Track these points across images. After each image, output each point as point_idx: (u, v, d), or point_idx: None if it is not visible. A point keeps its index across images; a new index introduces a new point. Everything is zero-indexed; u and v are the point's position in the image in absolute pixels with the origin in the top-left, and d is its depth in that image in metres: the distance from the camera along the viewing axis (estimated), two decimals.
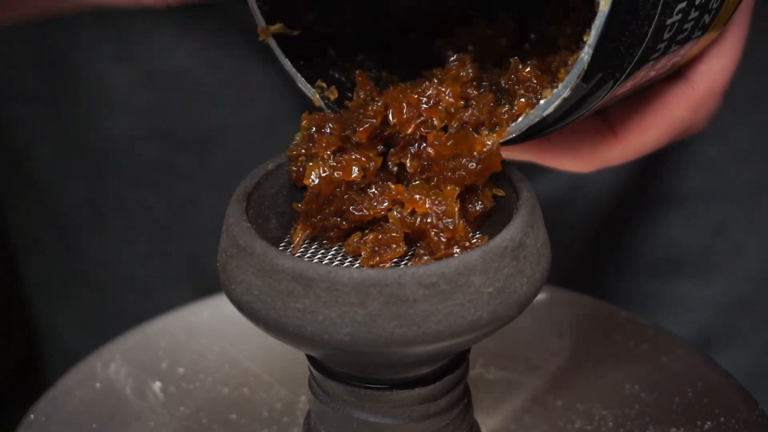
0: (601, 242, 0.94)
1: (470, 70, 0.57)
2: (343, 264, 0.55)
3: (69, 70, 0.88)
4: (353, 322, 0.50)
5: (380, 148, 0.56)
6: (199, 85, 0.87)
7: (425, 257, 0.54)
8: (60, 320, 0.99)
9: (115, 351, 0.71)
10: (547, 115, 0.53)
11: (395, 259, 0.55)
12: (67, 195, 0.93)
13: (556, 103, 0.53)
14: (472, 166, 0.54)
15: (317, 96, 0.58)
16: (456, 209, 0.53)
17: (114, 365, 0.70)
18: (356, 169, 0.54)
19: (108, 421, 0.67)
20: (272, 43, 0.58)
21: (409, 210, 0.54)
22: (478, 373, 0.70)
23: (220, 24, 0.85)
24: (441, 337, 0.51)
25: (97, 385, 0.69)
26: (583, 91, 0.53)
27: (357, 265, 0.55)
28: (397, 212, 0.55)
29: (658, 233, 0.93)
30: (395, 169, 0.56)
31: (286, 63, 0.58)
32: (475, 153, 0.54)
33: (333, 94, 0.59)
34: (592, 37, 0.51)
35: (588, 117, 0.56)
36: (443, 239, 0.53)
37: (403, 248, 0.54)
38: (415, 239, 0.55)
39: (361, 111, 0.55)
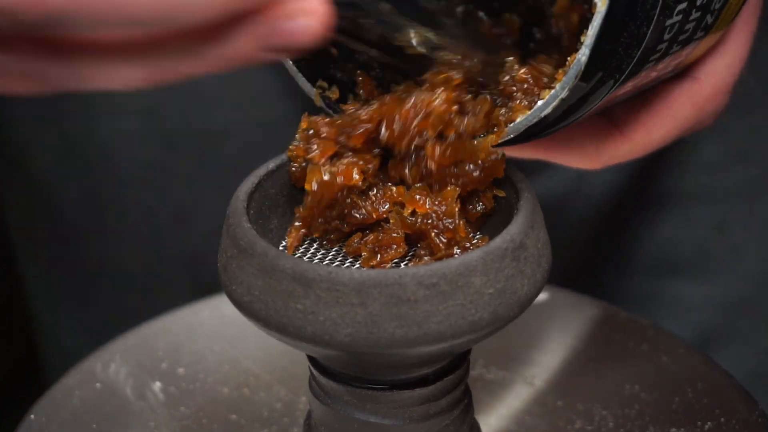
0: (601, 242, 0.94)
1: (459, 73, 0.56)
2: (343, 265, 0.55)
3: None
4: (354, 323, 0.50)
5: (377, 151, 0.56)
6: (199, 86, 0.87)
7: (426, 258, 0.54)
8: (60, 320, 0.99)
9: (115, 351, 0.71)
10: (546, 116, 0.53)
11: (396, 260, 0.55)
12: (66, 195, 0.93)
13: (554, 103, 0.53)
14: (476, 173, 0.54)
15: (318, 96, 0.58)
16: (456, 209, 0.53)
17: (114, 365, 0.70)
18: (357, 172, 0.54)
19: (108, 421, 0.67)
20: None
21: (409, 210, 0.54)
22: (479, 373, 0.70)
23: None
24: (442, 337, 0.51)
25: (97, 385, 0.69)
26: (581, 91, 0.53)
27: (357, 265, 0.55)
28: (397, 213, 0.55)
29: (658, 233, 0.93)
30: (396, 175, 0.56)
31: (287, 62, 0.58)
32: (480, 161, 0.54)
33: (334, 94, 0.58)
34: (589, 38, 0.51)
35: (592, 116, 0.56)
36: (444, 240, 0.53)
37: (403, 249, 0.54)
38: (415, 240, 0.55)
39: (356, 116, 0.55)
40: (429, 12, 0.56)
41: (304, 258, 0.55)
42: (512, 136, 0.55)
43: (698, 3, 0.54)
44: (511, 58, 0.58)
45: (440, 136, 0.55)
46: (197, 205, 0.90)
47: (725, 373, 0.68)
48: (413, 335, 0.50)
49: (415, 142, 0.54)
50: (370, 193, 0.55)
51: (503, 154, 0.55)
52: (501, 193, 0.55)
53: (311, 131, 0.56)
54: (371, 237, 0.54)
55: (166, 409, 0.68)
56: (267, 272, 0.51)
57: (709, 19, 0.56)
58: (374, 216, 0.55)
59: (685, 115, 0.62)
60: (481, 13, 0.62)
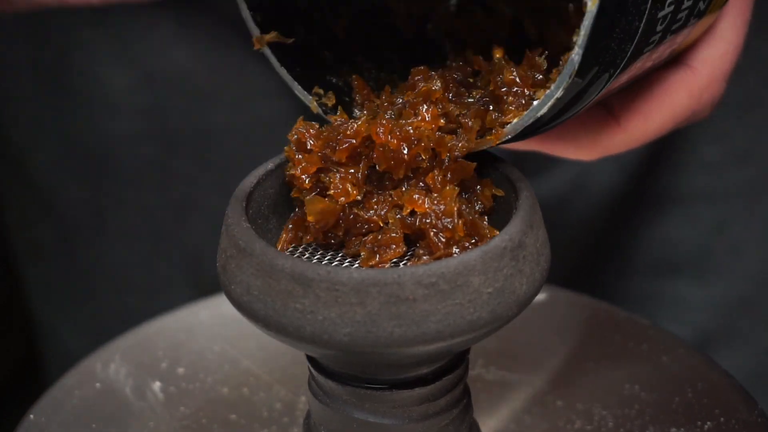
0: (602, 242, 0.94)
1: (438, 83, 0.56)
2: (342, 264, 0.55)
3: (68, 71, 0.88)
4: (353, 322, 0.50)
5: (362, 164, 0.55)
6: (198, 86, 0.87)
7: (425, 257, 0.54)
8: (60, 320, 0.99)
9: (115, 351, 0.71)
10: (542, 115, 0.53)
11: (395, 260, 0.55)
12: (66, 195, 0.93)
13: (550, 103, 0.53)
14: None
15: (314, 103, 0.58)
16: (455, 209, 0.53)
17: (114, 365, 0.70)
18: (351, 188, 0.54)
19: (108, 421, 0.67)
20: (267, 52, 0.58)
21: (408, 210, 0.54)
22: (478, 373, 0.70)
23: (219, 24, 0.84)
24: (440, 336, 0.51)
25: (97, 385, 0.69)
26: (577, 87, 0.53)
27: (356, 265, 0.55)
28: (396, 213, 0.55)
29: (658, 233, 0.93)
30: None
31: (282, 71, 0.58)
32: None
33: (330, 101, 0.58)
34: (581, 38, 0.51)
35: (588, 108, 0.56)
36: (442, 239, 0.53)
37: (402, 249, 0.54)
38: (414, 240, 0.55)
39: (342, 130, 0.55)
40: None
41: (303, 258, 0.55)
42: (510, 136, 0.55)
43: None
44: (500, 58, 0.58)
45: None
46: (197, 204, 0.90)
47: (725, 373, 0.68)
48: (412, 334, 0.50)
49: (411, 169, 0.55)
50: (368, 201, 0.55)
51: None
52: (500, 193, 0.55)
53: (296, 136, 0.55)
54: (370, 237, 0.54)
55: (165, 409, 0.68)
56: (266, 272, 0.51)
57: (701, 5, 0.56)
58: (381, 223, 0.55)
59: (681, 104, 0.62)
60: (474, 6, 0.62)
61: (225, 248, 0.53)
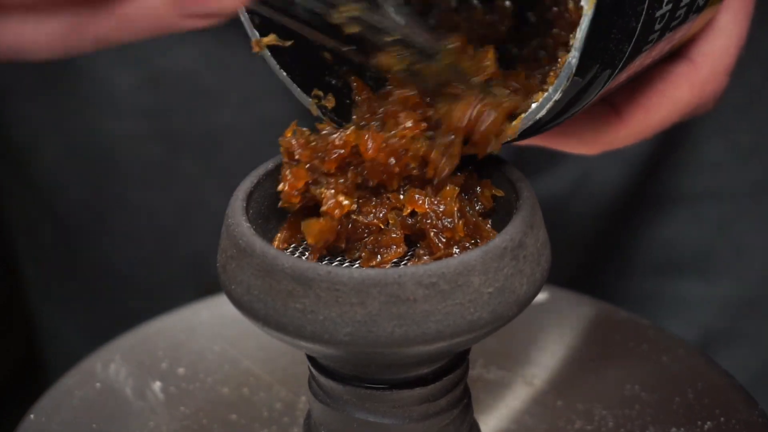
0: (603, 242, 0.94)
1: (412, 89, 0.56)
2: (343, 264, 0.55)
3: (72, 71, 0.88)
4: (353, 322, 0.50)
5: (350, 173, 0.55)
6: (202, 86, 0.87)
7: (425, 257, 0.54)
8: (62, 321, 0.99)
9: (115, 351, 0.71)
10: (541, 117, 0.53)
11: (395, 260, 0.55)
12: (69, 196, 0.93)
13: (548, 106, 0.53)
14: None
15: (314, 106, 0.58)
16: (455, 209, 0.53)
17: (114, 365, 0.70)
18: (344, 198, 0.54)
19: (108, 421, 0.67)
20: (266, 55, 0.58)
21: (408, 211, 0.54)
22: (478, 373, 0.70)
23: (223, 25, 0.84)
24: (441, 336, 0.51)
25: (97, 385, 0.69)
26: (575, 89, 0.53)
27: (357, 265, 0.55)
28: (396, 214, 0.55)
29: (661, 233, 0.92)
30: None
31: (282, 74, 0.58)
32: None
33: (330, 103, 0.58)
34: (578, 40, 0.51)
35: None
36: (443, 239, 0.53)
37: (403, 249, 0.54)
38: (415, 240, 0.55)
39: (331, 140, 0.55)
40: None
41: (303, 257, 0.55)
42: (509, 139, 0.55)
43: None
44: (489, 55, 0.58)
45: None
46: (200, 205, 0.90)
47: (725, 373, 0.68)
48: (412, 334, 0.50)
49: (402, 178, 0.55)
50: (365, 206, 0.55)
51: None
52: (500, 193, 0.55)
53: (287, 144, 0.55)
54: (371, 238, 0.54)
55: (166, 409, 0.68)
56: (266, 272, 0.51)
57: (700, 0, 0.56)
58: (381, 225, 0.54)
59: (682, 98, 0.62)
60: (474, 1, 0.62)
61: (225, 248, 0.53)
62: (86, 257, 0.95)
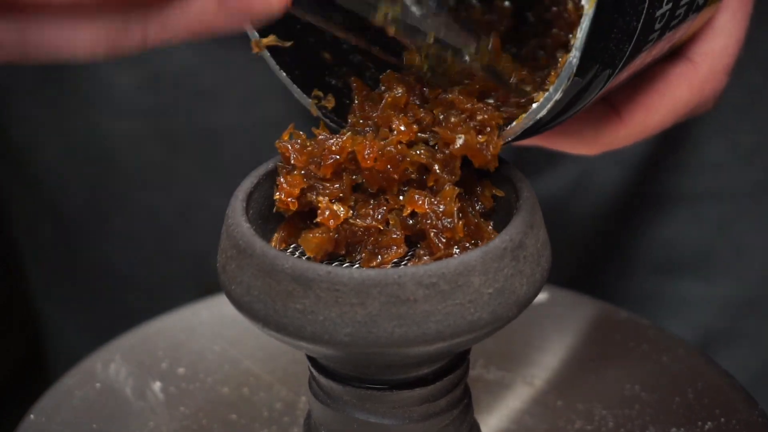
0: (604, 242, 0.94)
1: (400, 90, 0.56)
2: (342, 264, 0.55)
3: (72, 71, 0.88)
4: (353, 323, 0.50)
5: (345, 178, 0.55)
6: (202, 86, 0.87)
7: (425, 258, 0.54)
8: (63, 321, 0.99)
9: (115, 351, 0.71)
10: (542, 117, 0.53)
11: (395, 260, 0.55)
12: (70, 195, 0.93)
13: (549, 106, 0.53)
14: None
15: (314, 106, 0.58)
16: (455, 209, 0.53)
17: (114, 365, 0.70)
18: (339, 207, 0.54)
19: (108, 421, 0.67)
20: (266, 56, 0.58)
21: (408, 211, 0.54)
22: (478, 373, 0.70)
23: None
24: (441, 337, 0.51)
25: (97, 385, 0.69)
26: (576, 88, 0.53)
27: (357, 265, 0.55)
28: (396, 215, 0.55)
29: (661, 233, 0.92)
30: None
31: (282, 75, 0.58)
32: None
33: (330, 103, 0.58)
34: (579, 40, 0.51)
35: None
36: (443, 239, 0.53)
37: (403, 250, 0.54)
38: (415, 241, 0.55)
39: (327, 145, 0.55)
40: None
41: (303, 257, 0.55)
42: (510, 139, 0.55)
43: None
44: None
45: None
46: (200, 205, 0.90)
47: (725, 373, 0.68)
48: (412, 335, 0.50)
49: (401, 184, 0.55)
50: (362, 208, 0.55)
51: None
52: (500, 193, 0.55)
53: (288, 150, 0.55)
54: (371, 239, 0.54)
55: (166, 409, 0.68)
56: (266, 272, 0.51)
57: (700, 0, 0.56)
58: (380, 227, 0.54)
59: (682, 98, 0.62)
60: (473, 0, 0.62)
61: (225, 248, 0.53)
62: (87, 257, 0.95)
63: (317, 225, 0.54)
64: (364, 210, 0.55)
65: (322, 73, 0.59)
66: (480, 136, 0.54)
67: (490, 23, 0.62)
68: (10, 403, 1.00)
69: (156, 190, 0.90)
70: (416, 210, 0.54)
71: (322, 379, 0.56)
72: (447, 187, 0.54)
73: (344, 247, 0.54)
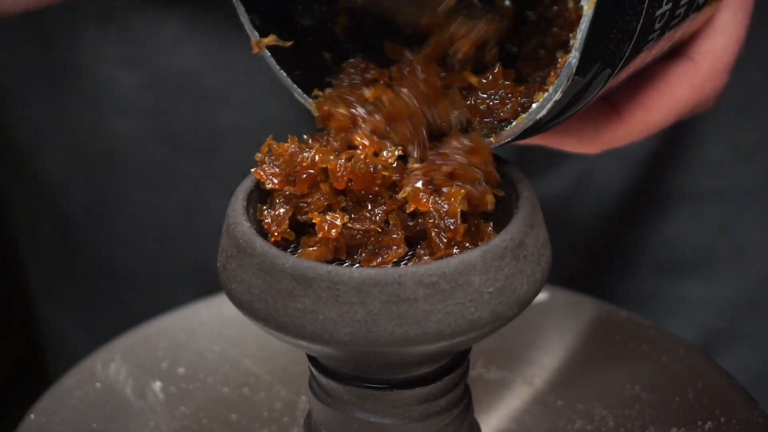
0: (603, 241, 0.94)
1: (342, 109, 0.56)
2: (343, 264, 0.55)
3: (74, 72, 0.88)
4: (354, 322, 0.50)
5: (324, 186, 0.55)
6: (205, 87, 0.87)
7: (426, 258, 0.54)
8: (64, 321, 0.99)
9: (115, 351, 0.71)
10: (541, 117, 0.53)
11: (395, 259, 0.55)
12: (70, 196, 0.93)
13: (549, 106, 0.53)
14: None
15: (314, 106, 0.58)
16: (459, 210, 0.53)
17: (114, 365, 0.70)
18: (329, 226, 0.54)
19: (108, 421, 0.67)
20: (266, 56, 0.58)
21: (411, 208, 0.54)
22: (479, 373, 0.70)
23: (225, 24, 0.84)
24: (441, 336, 0.51)
25: (97, 385, 0.69)
26: (575, 88, 0.53)
27: (357, 265, 0.55)
28: (397, 215, 0.54)
29: (662, 232, 0.92)
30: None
31: (282, 75, 0.58)
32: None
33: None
34: (578, 41, 0.51)
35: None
36: (444, 239, 0.53)
37: (404, 250, 0.54)
38: (416, 241, 0.55)
39: (299, 161, 0.54)
40: None
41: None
42: (509, 139, 0.55)
43: None
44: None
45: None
46: (201, 205, 0.90)
47: (725, 373, 0.68)
48: (413, 334, 0.50)
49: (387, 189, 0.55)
50: (360, 210, 0.55)
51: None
52: (500, 193, 0.55)
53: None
54: (371, 239, 0.54)
55: (166, 409, 0.68)
56: (267, 271, 0.51)
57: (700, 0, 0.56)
58: (378, 229, 0.54)
59: (683, 97, 0.62)
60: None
61: (225, 248, 0.53)
62: (87, 257, 0.95)
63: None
64: (362, 213, 0.55)
65: (322, 73, 0.59)
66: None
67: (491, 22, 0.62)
68: (10, 403, 1.00)
69: (157, 190, 0.90)
70: (420, 208, 0.54)
71: (323, 379, 0.56)
72: (453, 188, 0.54)
73: (344, 253, 0.54)
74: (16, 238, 1.01)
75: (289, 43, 0.58)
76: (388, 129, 0.55)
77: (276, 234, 0.54)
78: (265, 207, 0.55)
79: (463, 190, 0.53)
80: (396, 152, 0.55)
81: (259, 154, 0.56)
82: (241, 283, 0.52)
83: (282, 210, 0.54)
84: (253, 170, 0.55)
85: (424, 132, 0.55)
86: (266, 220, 0.54)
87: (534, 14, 0.62)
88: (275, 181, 0.55)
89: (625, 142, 0.62)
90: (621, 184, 0.91)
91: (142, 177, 0.90)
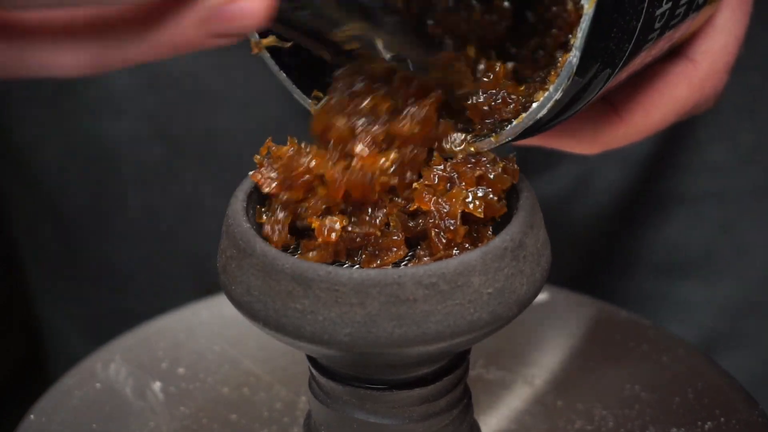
0: (603, 242, 0.94)
1: (341, 120, 0.56)
2: (343, 265, 0.55)
3: None
4: (353, 323, 0.50)
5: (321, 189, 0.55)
6: (202, 88, 0.87)
7: (425, 259, 0.54)
8: (63, 321, 0.99)
9: (115, 351, 0.71)
10: (542, 117, 0.53)
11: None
12: (70, 196, 0.93)
13: (549, 105, 0.53)
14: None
15: (314, 107, 0.58)
16: (459, 212, 0.53)
17: (114, 365, 0.70)
18: (327, 231, 0.54)
19: (108, 421, 0.67)
20: (266, 56, 0.58)
21: (414, 206, 0.54)
22: (478, 373, 0.70)
23: None
24: (441, 337, 0.51)
25: (97, 385, 0.69)
26: (576, 88, 0.53)
27: (357, 265, 0.55)
28: (398, 216, 0.54)
29: (662, 234, 0.92)
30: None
31: (281, 76, 0.58)
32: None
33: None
34: (579, 40, 0.51)
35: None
36: (443, 240, 0.53)
37: (404, 251, 0.54)
38: (416, 242, 0.55)
39: (294, 165, 0.54)
40: (369, 8, 0.56)
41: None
42: (509, 138, 0.55)
43: None
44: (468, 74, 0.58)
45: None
46: (201, 206, 0.90)
47: (725, 373, 0.68)
48: (412, 335, 0.50)
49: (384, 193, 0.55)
50: (361, 215, 0.55)
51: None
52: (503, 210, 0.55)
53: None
54: (371, 240, 0.54)
55: (166, 409, 0.68)
56: (266, 272, 0.51)
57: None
58: (378, 233, 0.54)
59: (682, 97, 0.61)
60: (473, 0, 0.62)
61: (225, 248, 0.53)
62: (86, 257, 0.95)
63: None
64: (361, 217, 0.54)
65: (321, 73, 0.59)
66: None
67: (490, 23, 0.62)
68: (10, 403, 1.00)
69: (156, 190, 0.90)
70: (422, 207, 0.54)
71: (322, 379, 0.56)
72: (455, 189, 0.54)
73: (344, 255, 0.54)
74: (16, 238, 1.01)
75: (288, 44, 0.58)
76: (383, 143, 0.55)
77: (275, 240, 0.54)
78: (264, 210, 0.55)
79: (469, 193, 0.53)
80: (393, 155, 0.54)
81: (258, 156, 0.55)
82: (240, 284, 0.52)
83: (281, 215, 0.54)
84: (250, 173, 0.55)
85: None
86: (265, 228, 0.54)
87: (533, 15, 0.62)
88: (272, 185, 0.54)
89: (624, 143, 0.62)
90: (621, 184, 0.91)
91: (140, 177, 0.90)
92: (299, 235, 0.55)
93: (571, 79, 0.52)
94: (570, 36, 0.51)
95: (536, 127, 0.54)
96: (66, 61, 0.48)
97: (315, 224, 0.53)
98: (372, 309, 0.50)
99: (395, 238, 0.54)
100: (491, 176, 0.54)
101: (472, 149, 0.55)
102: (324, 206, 0.54)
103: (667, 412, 0.66)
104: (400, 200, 0.54)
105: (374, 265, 0.54)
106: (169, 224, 0.91)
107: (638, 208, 0.92)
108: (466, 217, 0.54)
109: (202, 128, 0.88)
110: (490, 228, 0.55)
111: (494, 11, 0.62)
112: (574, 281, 0.89)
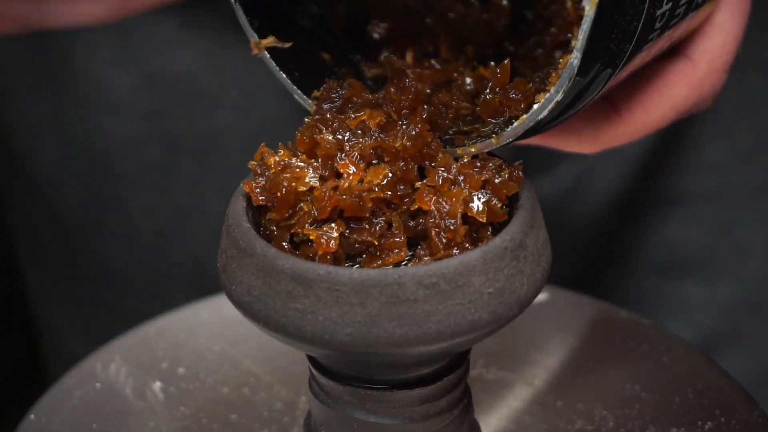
0: (603, 242, 0.94)
1: (329, 137, 0.55)
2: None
3: (70, 72, 0.88)
4: (353, 323, 0.50)
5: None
6: (200, 87, 0.87)
7: (426, 259, 0.54)
8: (62, 322, 0.99)
9: (115, 351, 0.71)
10: (542, 118, 0.53)
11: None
12: (68, 197, 0.93)
13: (550, 107, 0.53)
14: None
15: (314, 107, 0.58)
16: (459, 211, 0.53)
17: (114, 365, 0.70)
18: (326, 241, 0.53)
19: (108, 421, 0.67)
20: (265, 57, 0.58)
21: (415, 206, 0.54)
22: (479, 373, 0.70)
23: (221, 26, 0.84)
24: (441, 337, 0.51)
25: (97, 385, 0.69)
26: (577, 89, 0.53)
27: (357, 265, 0.54)
28: (400, 217, 0.54)
29: (662, 234, 0.92)
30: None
31: (281, 76, 0.58)
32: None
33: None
34: (580, 41, 0.51)
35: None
36: (444, 239, 0.53)
37: (405, 253, 0.54)
38: (416, 242, 0.55)
39: (282, 178, 0.54)
40: None
41: None
42: (510, 140, 0.55)
43: None
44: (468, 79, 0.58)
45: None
46: (199, 206, 0.90)
47: (725, 373, 0.68)
48: (413, 335, 0.50)
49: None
50: (362, 221, 0.54)
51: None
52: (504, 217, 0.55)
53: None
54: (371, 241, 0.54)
55: (166, 409, 0.68)
56: (266, 272, 0.51)
57: None
58: (375, 242, 0.54)
59: (681, 96, 0.62)
60: None
61: (225, 249, 0.53)
62: (85, 258, 0.95)
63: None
64: (360, 223, 0.54)
65: (321, 74, 0.59)
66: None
67: (489, 22, 0.62)
68: (10, 403, 1.01)
69: (154, 191, 0.90)
70: (422, 206, 0.53)
71: (323, 379, 0.56)
72: (455, 189, 0.54)
73: (343, 261, 0.54)
74: (15, 238, 1.01)
75: (288, 45, 0.58)
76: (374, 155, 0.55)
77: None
78: (263, 222, 0.55)
79: (474, 197, 0.53)
80: (383, 173, 0.54)
81: (252, 162, 0.55)
82: (241, 284, 0.52)
83: (275, 231, 0.54)
84: (243, 182, 0.55)
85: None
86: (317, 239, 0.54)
87: (532, 13, 0.62)
88: (260, 198, 0.54)
89: (624, 142, 0.62)
90: (620, 184, 0.91)
91: (138, 178, 0.90)
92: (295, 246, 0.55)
93: (572, 81, 0.52)
94: (570, 36, 0.51)
95: (537, 128, 0.54)
96: (84, 8, 0.47)
97: (312, 235, 0.53)
98: (372, 309, 0.50)
99: (397, 239, 0.54)
100: (497, 181, 0.54)
101: (473, 150, 0.55)
102: (313, 218, 0.54)
103: (667, 412, 0.66)
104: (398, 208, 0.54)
105: (375, 265, 0.54)
106: (167, 224, 0.91)
107: (637, 208, 0.92)
108: (467, 217, 0.54)
109: (199, 128, 0.88)
110: (490, 228, 0.55)
111: (493, 9, 0.62)
112: (574, 281, 0.90)
